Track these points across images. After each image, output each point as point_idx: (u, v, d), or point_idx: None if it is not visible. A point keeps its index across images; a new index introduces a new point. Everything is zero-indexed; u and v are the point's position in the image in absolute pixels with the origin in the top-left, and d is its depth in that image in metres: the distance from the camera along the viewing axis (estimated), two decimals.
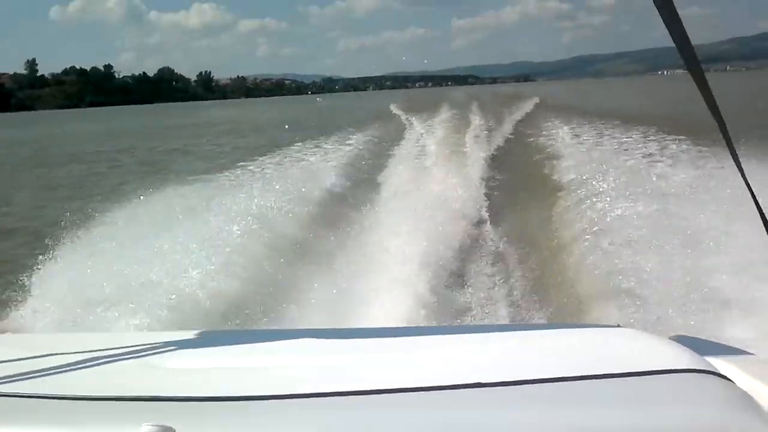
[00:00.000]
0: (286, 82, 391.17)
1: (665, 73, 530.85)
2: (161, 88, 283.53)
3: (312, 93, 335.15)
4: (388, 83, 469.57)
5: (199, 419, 1.10)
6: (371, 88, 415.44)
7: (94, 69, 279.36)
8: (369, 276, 5.99)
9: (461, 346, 1.52)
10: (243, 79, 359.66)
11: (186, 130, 44.26)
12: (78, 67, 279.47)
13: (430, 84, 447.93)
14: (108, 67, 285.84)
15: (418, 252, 6.49)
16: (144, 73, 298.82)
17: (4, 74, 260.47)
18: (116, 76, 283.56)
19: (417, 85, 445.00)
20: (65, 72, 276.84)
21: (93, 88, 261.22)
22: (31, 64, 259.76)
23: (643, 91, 68.58)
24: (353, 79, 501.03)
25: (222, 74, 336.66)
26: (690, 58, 1.06)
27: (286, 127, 28.86)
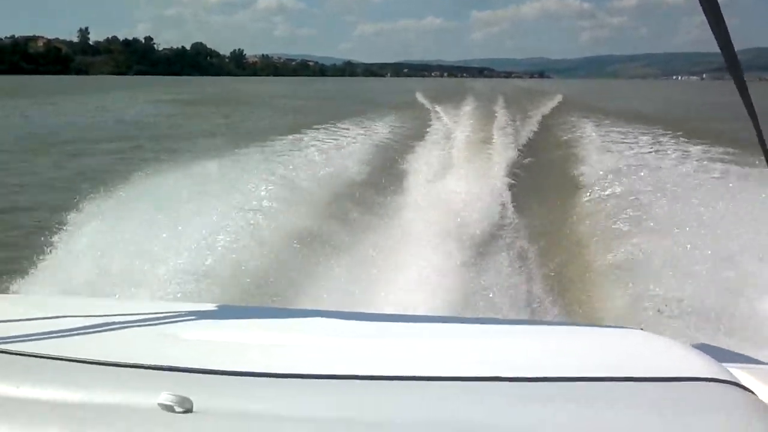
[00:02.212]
0: (310, 63, 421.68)
1: (679, 78, 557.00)
2: (198, 62, 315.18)
3: (333, 75, 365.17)
4: (405, 70, 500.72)
5: (217, 392, 1.14)
6: (389, 74, 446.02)
7: (136, 40, 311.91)
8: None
9: (480, 338, 1.54)
10: (268, 57, 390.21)
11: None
12: (121, 38, 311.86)
13: (445, 74, 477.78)
14: (148, 39, 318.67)
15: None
16: (183, 46, 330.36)
17: (55, 39, 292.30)
18: (156, 47, 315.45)
19: (433, 74, 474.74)
20: (107, 41, 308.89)
21: (138, 58, 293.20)
22: (83, 33, 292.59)
23: (669, 95, 71.65)
24: (372, 64, 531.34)
25: (231, 50, 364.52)
26: (733, 62, 1.08)
27: None
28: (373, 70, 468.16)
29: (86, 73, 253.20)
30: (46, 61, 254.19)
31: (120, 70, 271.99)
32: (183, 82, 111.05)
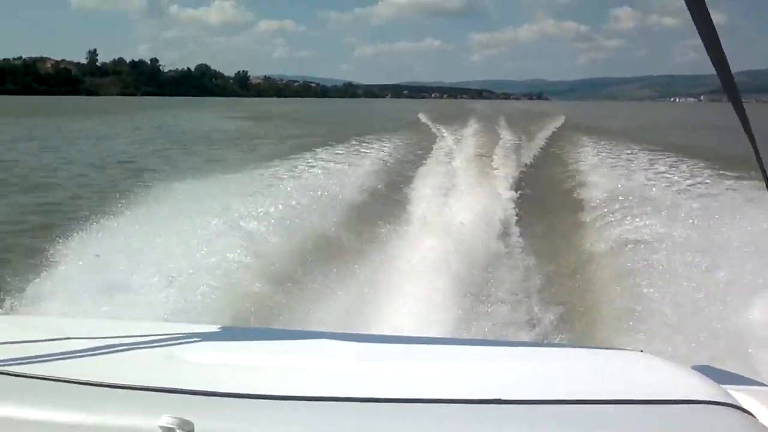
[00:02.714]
0: (312, 85, 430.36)
1: (677, 100, 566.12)
2: (203, 83, 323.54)
3: (335, 96, 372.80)
4: (405, 92, 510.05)
5: (218, 414, 1.15)
6: (389, 95, 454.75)
7: (142, 62, 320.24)
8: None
9: (481, 360, 1.56)
10: (270, 79, 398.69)
11: None
12: (127, 60, 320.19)
13: (445, 96, 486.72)
14: (154, 60, 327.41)
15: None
16: (188, 68, 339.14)
17: (61, 60, 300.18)
18: (162, 69, 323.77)
19: (432, 95, 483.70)
20: (114, 62, 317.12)
21: (146, 80, 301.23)
22: (92, 54, 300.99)
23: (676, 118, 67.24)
24: (372, 85, 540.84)
25: (233, 71, 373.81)
26: (729, 84, 1.10)
27: None
28: (373, 92, 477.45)
29: (96, 94, 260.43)
30: (57, 82, 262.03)
31: (128, 91, 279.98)
32: (211, 103, 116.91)
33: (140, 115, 55.62)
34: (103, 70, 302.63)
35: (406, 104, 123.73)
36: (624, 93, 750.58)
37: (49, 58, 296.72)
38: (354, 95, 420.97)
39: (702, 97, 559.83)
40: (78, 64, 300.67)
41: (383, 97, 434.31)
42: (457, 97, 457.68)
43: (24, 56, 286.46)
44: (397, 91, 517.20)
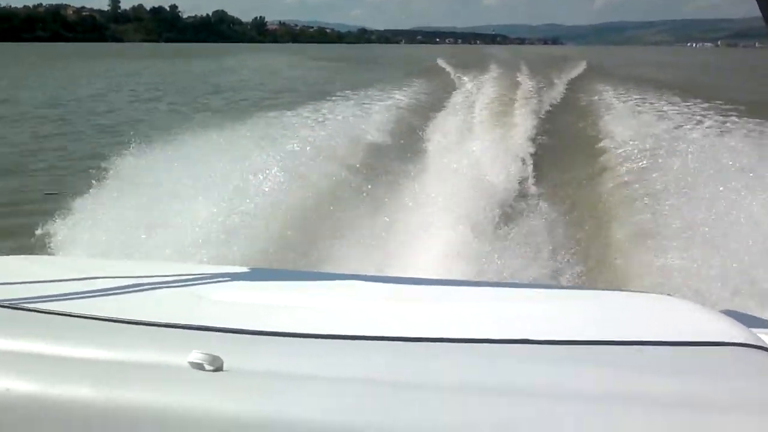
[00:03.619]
0: (327, 31, 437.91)
1: (694, 45, 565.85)
2: (221, 29, 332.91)
3: (349, 42, 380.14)
4: (418, 37, 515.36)
5: (246, 351, 1.17)
6: (403, 41, 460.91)
7: (162, 8, 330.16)
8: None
9: (510, 301, 1.58)
10: (285, 25, 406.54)
11: None
12: (147, 7, 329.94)
13: (459, 41, 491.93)
14: (173, 7, 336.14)
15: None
16: (207, 14, 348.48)
17: (83, 8, 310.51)
18: (181, 15, 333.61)
19: (447, 41, 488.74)
20: (134, 9, 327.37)
21: (167, 26, 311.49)
22: (114, 2, 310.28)
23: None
24: (386, 31, 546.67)
25: (248, 16, 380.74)
26: None
27: None
28: (387, 37, 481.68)
29: (121, 40, 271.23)
30: (83, 29, 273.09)
31: (150, 38, 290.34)
32: (247, 49, 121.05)
33: (224, 60, 63.74)
34: (125, 17, 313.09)
35: (422, 49, 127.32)
36: (641, 38, 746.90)
37: (70, 6, 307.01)
38: (368, 41, 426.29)
39: (719, 42, 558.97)
40: (99, 11, 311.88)
41: (397, 42, 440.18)
42: (471, 42, 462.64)
43: (44, 3, 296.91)
44: (410, 36, 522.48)
